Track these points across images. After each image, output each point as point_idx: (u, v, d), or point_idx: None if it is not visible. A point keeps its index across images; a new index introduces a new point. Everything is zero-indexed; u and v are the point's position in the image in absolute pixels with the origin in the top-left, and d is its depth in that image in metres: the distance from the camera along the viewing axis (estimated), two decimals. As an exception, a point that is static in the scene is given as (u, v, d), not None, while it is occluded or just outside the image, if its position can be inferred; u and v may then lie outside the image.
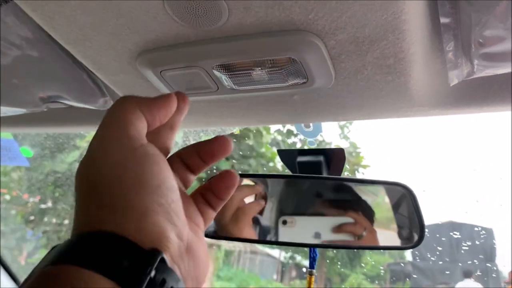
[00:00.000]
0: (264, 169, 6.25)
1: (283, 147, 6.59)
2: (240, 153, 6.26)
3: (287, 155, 1.05)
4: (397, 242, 1.00)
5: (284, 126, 6.67)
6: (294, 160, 1.02)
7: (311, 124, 1.01)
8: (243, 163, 6.07)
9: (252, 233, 1.02)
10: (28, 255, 5.46)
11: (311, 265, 1.00)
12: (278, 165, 6.63)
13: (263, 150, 6.53)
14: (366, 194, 1.00)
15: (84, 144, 4.84)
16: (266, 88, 0.72)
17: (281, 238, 0.95)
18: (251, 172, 5.11)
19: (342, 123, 6.79)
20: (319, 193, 1.02)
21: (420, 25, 0.59)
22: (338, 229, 0.92)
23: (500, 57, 0.65)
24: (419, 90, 0.71)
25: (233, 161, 6.08)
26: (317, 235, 0.92)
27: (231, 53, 0.65)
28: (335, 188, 1.02)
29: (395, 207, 0.99)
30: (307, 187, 1.03)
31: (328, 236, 0.92)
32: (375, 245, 1.06)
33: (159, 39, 0.65)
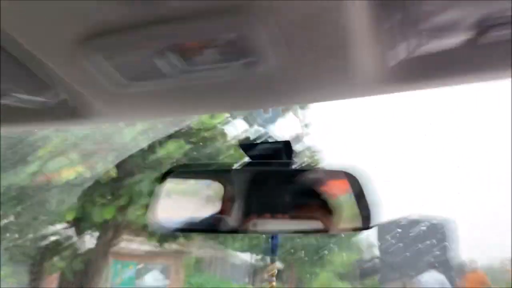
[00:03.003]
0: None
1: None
2: (208, 156, 6.23)
3: (247, 146, 1.06)
4: (351, 224, 1.03)
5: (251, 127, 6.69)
6: (252, 152, 1.04)
7: (270, 110, 1.03)
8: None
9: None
10: (-9, 273, 5.26)
11: (273, 252, 1.02)
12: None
13: (231, 152, 6.52)
14: (319, 184, 1.03)
15: (46, 154, 4.72)
16: (217, 68, 0.72)
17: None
18: (187, 163, 5.08)
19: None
20: (278, 191, 1.04)
21: (360, 5, 0.61)
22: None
23: (437, 33, 0.68)
24: (360, 70, 0.73)
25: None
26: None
27: (179, 34, 0.65)
28: (290, 182, 1.04)
29: (348, 192, 1.01)
30: (265, 185, 1.05)
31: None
32: (329, 228, 1.09)
33: (106, 22, 0.64)
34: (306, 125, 7.44)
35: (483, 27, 0.64)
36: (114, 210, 5.49)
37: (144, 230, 6.22)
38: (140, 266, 8.64)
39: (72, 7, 0.62)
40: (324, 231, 1.06)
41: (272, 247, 1.03)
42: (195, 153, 6.10)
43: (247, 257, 9.80)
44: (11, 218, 5.60)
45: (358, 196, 0.91)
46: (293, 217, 0.97)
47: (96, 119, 0.96)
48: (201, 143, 6.23)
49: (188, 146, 5.86)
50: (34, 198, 5.17)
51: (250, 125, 6.40)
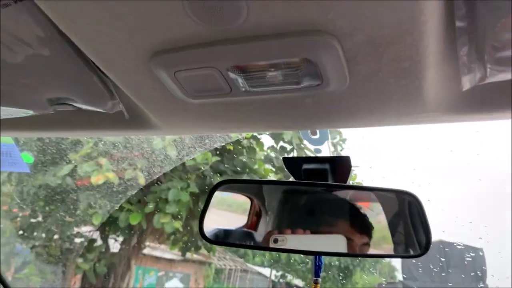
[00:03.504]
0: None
1: (276, 164, 6.58)
2: (233, 169, 6.24)
3: (292, 162, 1.04)
4: (401, 251, 1.00)
5: (277, 144, 6.67)
6: (300, 167, 1.01)
7: (317, 131, 1.01)
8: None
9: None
10: (16, 271, 5.35)
11: (316, 273, 0.99)
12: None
13: (256, 166, 6.51)
14: (363, 204, 1.00)
15: (76, 158, 4.81)
16: (280, 90, 0.72)
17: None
18: (238, 179, 5.08)
19: (336, 140, 6.82)
20: (313, 210, 1.02)
21: (437, 28, 0.60)
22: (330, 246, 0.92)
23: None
24: (431, 95, 0.71)
25: (227, 176, 6.05)
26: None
27: (247, 54, 0.65)
28: (331, 202, 1.02)
29: (399, 215, 0.99)
30: (302, 202, 1.03)
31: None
32: (379, 254, 1.06)
33: (175, 39, 0.65)
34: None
35: None
36: (140, 217, 5.53)
37: (168, 238, 6.24)
38: (161, 273, 8.68)
39: (143, 25, 0.63)
40: (376, 256, 1.02)
41: (315, 268, 1.00)
42: (221, 164, 6.11)
43: (266, 272, 9.72)
44: (39, 218, 5.72)
45: (419, 220, 0.88)
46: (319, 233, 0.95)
47: (151, 130, 0.96)
48: (227, 155, 6.24)
49: (214, 158, 5.88)
50: (63, 200, 5.27)
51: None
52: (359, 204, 1.01)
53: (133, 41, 0.66)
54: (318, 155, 1.14)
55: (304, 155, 6.63)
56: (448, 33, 0.63)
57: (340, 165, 0.99)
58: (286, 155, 7.18)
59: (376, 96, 0.73)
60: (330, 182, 0.98)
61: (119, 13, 0.61)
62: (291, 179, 1.05)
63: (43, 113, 0.90)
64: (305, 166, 1.00)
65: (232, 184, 1.08)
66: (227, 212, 1.07)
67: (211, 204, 0.97)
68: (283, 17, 0.58)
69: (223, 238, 1.05)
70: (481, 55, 0.64)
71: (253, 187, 1.12)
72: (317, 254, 0.97)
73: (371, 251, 1.00)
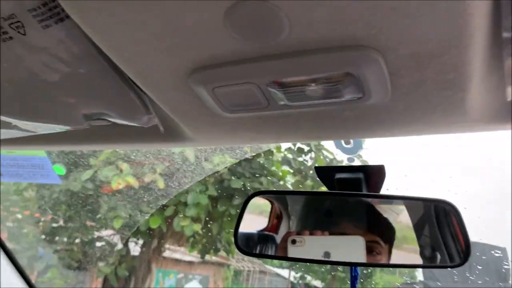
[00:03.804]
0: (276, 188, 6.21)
1: (294, 166, 6.57)
2: (251, 171, 6.24)
3: (324, 171, 1.04)
4: (436, 260, 0.98)
5: (294, 145, 6.65)
6: (333, 176, 1.01)
7: (351, 140, 1.00)
8: (254, 181, 6.04)
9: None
10: (39, 274, 5.44)
11: (353, 285, 0.98)
12: (288, 183, 6.61)
13: (273, 168, 6.50)
14: (387, 214, 0.99)
15: (97, 163, 4.86)
16: (319, 103, 0.71)
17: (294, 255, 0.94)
18: (271, 189, 5.08)
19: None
20: (331, 211, 1.01)
21: (482, 39, 0.59)
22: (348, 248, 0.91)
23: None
24: (475, 105, 0.70)
25: (244, 179, 6.06)
26: (327, 255, 0.90)
27: (287, 70, 0.64)
28: (354, 205, 1.01)
29: (435, 224, 0.97)
30: (323, 204, 1.02)
31: (338, 255, 0.91)
32: (413, 264, 1.04)
33: (215, 55, 0.65)
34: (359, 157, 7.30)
35: None
36: (160, 220, 5.57)
37: (187, 240, 6.27)
38: (180, 275, 8.73)
39: (184, 44, 0.63)
40: (410, 266, 1.00)
41: (351, 279, 0.99)
42: (239, 167, 6.12)
43: (285, 274, 9.70)
44: (61, 223, 5.80)
45: (456, 229, 0.87)
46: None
47: (185, 142, 0.97)
48: (245, 159, 6.25)
49: (233, 160, 5.89)
50: (85, 204, 5.34)
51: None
52: (383, 209, 1.00)
53: (172, 60, 0.66)
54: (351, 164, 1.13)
55: (322, 157, 6.60)
56: (493, 44, 0.62)
57: (374, 174, 0.98)
58: (303, 157, 7.17)
59: (418, 107, 0.72)
60: (364, 191, 0.97)
61: (160, 33, 0.61)
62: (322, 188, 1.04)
63: (79, 128, 0.91)
64: (338, 176, 1.00)
65: (266, 195, 1.08)
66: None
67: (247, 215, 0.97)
68: (325, 33, 0.57)
69: (252, 246, 1.04)
70: None
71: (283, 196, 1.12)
72: (339, 264, 0.96)
73: (401, 260, 0.99)
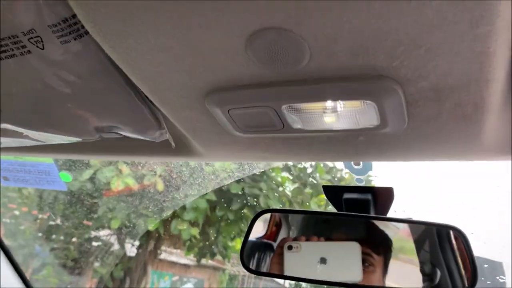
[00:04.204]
0: (276, 194, 6.20)
1: (293, 172, 6.56)
2: (251, 176, 6.23)
3: (332, 191, 1.03)
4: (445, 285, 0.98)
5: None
6: (341, 196, 1.00)
7: (361, 162, 1.00)
8: (254, 186, 6.04)
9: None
10: (34, 272, 5.41)
11: None
12: (287, 189, 6.60)
13: (273, 174, 6.49)
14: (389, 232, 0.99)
15: (96, 163, 4.85)
16: (334, 129, 0.71)
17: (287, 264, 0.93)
18: (275, 207, 5.06)
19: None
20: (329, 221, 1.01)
21: (503, 76, 0.59)
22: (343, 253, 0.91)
23: None
24: (490, 137, 0.70)
25: (244, 184, 6.05)
26: (323, 260, 0.90)
27: (305, 96, 0.65)
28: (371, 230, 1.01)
29: (436, 248, 0.97)
30: (337, 228, 1.02)
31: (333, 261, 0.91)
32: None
33: (233, 78, 0.65)
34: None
35: None
36: (157, 222, 5.56)
37: (184, 244, 6.26)
38: (175, 278, 8.70)
39: (202, 66, 0.63)
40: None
41: None
42: (240, 173, 6.10)
43: (280, 280, 9.67)
44: (58, 221, 5.78)
45: (464, 255, 0.87)
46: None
47: (195, 157, 0.97)
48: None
49: (233, 166, 5.88)
50: (83, 204, 5.32)
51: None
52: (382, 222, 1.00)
53: (190, 81, 0.67)
54: (360, 184, 1.13)
55: (322, 164, 6.59)
56: (508, 82, 0.62)
57: (382, 196, 0.98)
58: (303, 164, 7.15)
59: (432, 137, 0.72)
60: (371, 213, 0.97)
61: (179, 55, 0.61)
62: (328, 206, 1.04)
63: (90, 140, 0.91)
64: (346, 196, 0.99)
65: (273, 213, 1.08)
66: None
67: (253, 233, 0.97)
68: (346, 62, 0.58)
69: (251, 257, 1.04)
70: None
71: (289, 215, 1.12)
72: (335, 285, 0.95)
73: (399, 278, 0.98)
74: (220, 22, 0.54)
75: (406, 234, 0.99)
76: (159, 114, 0.83)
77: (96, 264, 6.04)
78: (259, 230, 1.03)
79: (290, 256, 0.92)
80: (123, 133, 0.88)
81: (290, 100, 0.65)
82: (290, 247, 0.92)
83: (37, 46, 0.70)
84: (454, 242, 0.93)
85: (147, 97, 0.78)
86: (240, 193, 5.86)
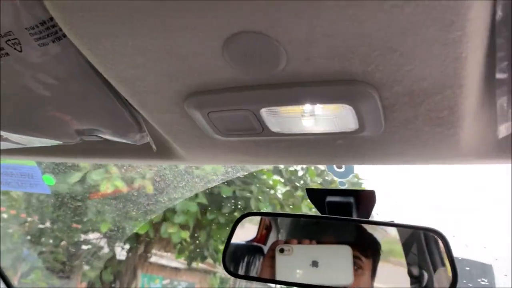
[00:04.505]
0: (266, 196, 6.20)
1: (285, 175, 6.57)
2: (242, 179, 6.23)
3: (316, 194, 1.04)
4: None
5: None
6: (324, 199, 1.01)
7: (343, 165, 1.01)
8: (245, 189, 6.03)
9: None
10: (22, 276, 5.36)
11: None
12: (278, 192, 6.60)
13: (264, 177, 6.50)
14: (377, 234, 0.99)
15: (86, 166, 4.82)
16: (313, 133, 0.72)
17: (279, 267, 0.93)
18: (262, 211, 5.05)
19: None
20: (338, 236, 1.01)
21: (477, 80, 0.59)
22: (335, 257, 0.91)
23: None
24: (466, 141, 0.71)
25: (235, 187, 6.05)
26: (315, 263, 0.90)
27: (283, 100, 0.65)
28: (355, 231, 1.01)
29: (423, 251, 0.98)
30: (327, 231, 1.02)
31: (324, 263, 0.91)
32: None
33: (212, 82, 0.65)
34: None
35: None
36: (147, 225, 5.53)
37: (174, 247, 6.23)
38: (166, 281, 8.66)
39: (181, 69, 0.63)
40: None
41: None
42: (230, 175, 6.09)
43: (272, 284, 9.67)
44: (47, 224, 5.73)
45: (444, 258, 0.87)
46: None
47: (176, 161, 0.97)
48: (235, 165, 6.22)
49: (223, 169, 5.86)
50: (72, 207, 5.28)
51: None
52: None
53: (169, 84, 0.67)
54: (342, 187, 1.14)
55: (313, 167, 6.61)
56: (487, 84, 0.63)
57: (364, 199, 0.98)
58: (294, 167, 7.16)
59: (409, 141, 0.73)
60: (354, 215, 0.97)
61: (157, 57, 0.61)
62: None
63: (70, 143, 0.91)
64: (329, 199, 1.00)
65: (256, 216, 1.08)
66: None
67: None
68: (322, 67, 0.58)
69: (240, 263, 1.04)
70: None
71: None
72: None
73: (388, 280, 0.99)
74: (197, 25, 0.54)
75: (394, 237, 1.00)
76: (140, 117, 0.83)
77: (86, 268, 6.00)
78: (244, 233, 1.03)
79: (282, 259, 0.92)
80: (104, 136, 0.88)
81: (269, 103, 0.66)
82: (282, 250, 0.92)
83: (15, 49, 0.69)
84: (441, 245, 0.94)
85: (127, 100, 0.78)
86: (231, 196, 5.86)
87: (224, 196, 5.73)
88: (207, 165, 2.91)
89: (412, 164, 0.85)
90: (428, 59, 0.54)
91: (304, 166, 6.19)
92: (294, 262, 0.93)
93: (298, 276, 0.92)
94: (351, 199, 0.98)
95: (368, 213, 0.99)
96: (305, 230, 1.03)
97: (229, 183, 6.07)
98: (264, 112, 0.67)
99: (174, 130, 0.80)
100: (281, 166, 6.68)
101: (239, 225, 1.01)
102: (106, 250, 6.13)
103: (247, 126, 0.72)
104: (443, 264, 0.93)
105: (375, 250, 0.97)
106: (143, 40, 0.58)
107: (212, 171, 4.10)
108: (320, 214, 1.01)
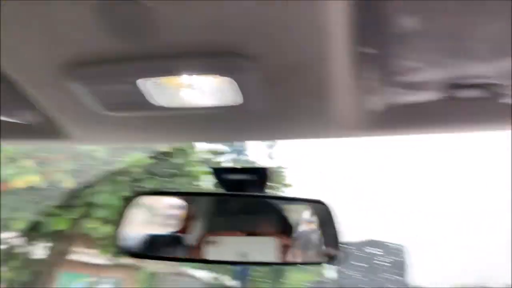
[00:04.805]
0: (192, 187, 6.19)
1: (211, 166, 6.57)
2: (168, 171, 6.15)
3: (219, 172, 1.06)
4: (317, 258, 1.04)
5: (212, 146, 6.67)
6: (225, 177, 1.03)
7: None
8: (171, 182, 5.97)
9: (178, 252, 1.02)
10: None
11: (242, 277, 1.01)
12: (206, 182, 6.60)
13: (190, 168, 6.46)
14: (288, 212, 1.04)
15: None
16: (198, 107, 0.73)
17: (207, 257, 0.95)
18: (155, 190, 4.98)
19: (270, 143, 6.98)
20: (242, 212, 1.04)
21: (344, 54, 0.64)
22: (261, 247, 0.95)
23: (414, 86, 0.72)
24: (339, 114, 0.76)
25: (160, 179, 5.97)
26: (243, 254, 0.93)
27: (163, 70, 0.66)
28: (258, 206, 1.05)
29: (318, 223, 1.03)
30: (231, 206, 1.05)
31: (252, 254, 0.94)
32: (295, 261, 1.09)
33: (90, 53, 0.64)
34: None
35: (452, 87, 0.69)
36: (68, 221, 5.31)
37: (97, 243, 6.03)
38: (92, 279, 8.37)
39: (57, 39, 0.62)
40: (292, 263, 1.05)
41: (242, 273, 1.02)
42: (156, 167, 6.01)
43: (201, 275, 9.66)
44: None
45: (327, 227, 0.93)
46: (250, 235, 0.97)
47: (76, 141, 0.94)
48: (161, 158, 6.12)
49: (148, 161, 5.76)
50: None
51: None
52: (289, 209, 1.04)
53: (48, 55, 0.65)
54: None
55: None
56: (355, 59, 0.68)
57: (259, 175, 1.02)
58: (221, 157, 7.21)
59: (290, 115, 0.77)
60: (248, 192, 1.00)
61: (33, 28, 0.60)
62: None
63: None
64: (227, 177, 1.02)
65: (150, 196, 1.08)
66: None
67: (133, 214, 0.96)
68: (200, 38, 0.60)
69: (148, 247, 1.03)
70: (386, 79, 0.70)
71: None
72: (246, 264, 0.98)
73: (295, 257, 1.03)
74: None
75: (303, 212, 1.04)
76: (25, 95, 0.80)
77: (3, 269, 5.65)
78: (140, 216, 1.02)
79: (210, 251, 0.93)
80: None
81: (147, 74, 0.66)
82: (209, 242, 0.93)
83: None
84: (327, 215, 0.98)
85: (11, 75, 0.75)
86: (157, 188, 5.76)
87: (149, 188, 5.63)
88: (98, 145, 2.84)
89: (294, 139, 0.89)
90: (296, 32, 0.58)
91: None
92: (222, 253, 0.94)
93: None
94: (246, 176, 1.01)
95: (263, 188, 1.02)
96: (231, 222, 1.04)
97: (154, 175, 5.99)
98: (144, 83, 0.68)
99: (58, 105, 0.79)
100: (206, 156, 6.69)
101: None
102: (23, 249, 5.82)
103: (130, 100, 0.72)
104: (330, 238, 0.98)
105: (291, 228, 1.01)
106: (22, 11, 0.57)
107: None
108: (214, 191, 1.03)
